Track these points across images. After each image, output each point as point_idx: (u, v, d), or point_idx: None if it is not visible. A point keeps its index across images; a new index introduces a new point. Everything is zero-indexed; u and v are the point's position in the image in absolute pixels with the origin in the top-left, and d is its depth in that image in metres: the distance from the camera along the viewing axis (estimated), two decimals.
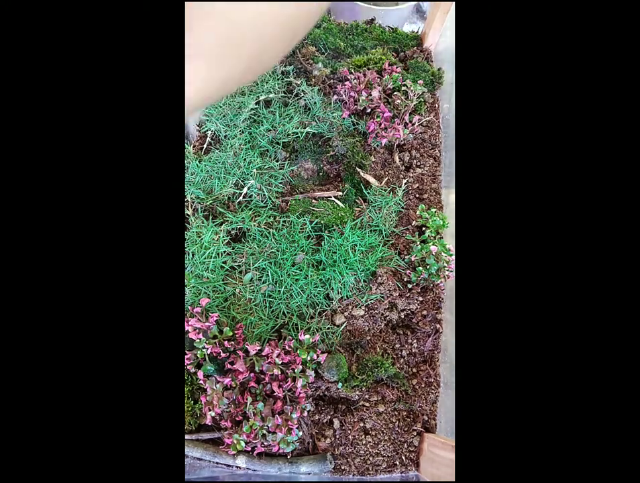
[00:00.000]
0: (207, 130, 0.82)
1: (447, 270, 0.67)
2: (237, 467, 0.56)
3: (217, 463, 0.56)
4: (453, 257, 0.66)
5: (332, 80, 0.87)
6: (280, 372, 0.55)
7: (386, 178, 0.79)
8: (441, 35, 0.92)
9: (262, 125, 0.80)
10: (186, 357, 0.55)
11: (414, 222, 0.75)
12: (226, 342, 0.56)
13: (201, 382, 0.55)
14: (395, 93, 0.81)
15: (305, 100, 0.83)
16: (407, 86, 0.80)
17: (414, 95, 0.80)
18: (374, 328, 0.66)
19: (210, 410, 0.53)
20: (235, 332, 0.57)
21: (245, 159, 0.76)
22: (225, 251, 0.68)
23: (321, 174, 0.82)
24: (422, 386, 0.65)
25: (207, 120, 0.82)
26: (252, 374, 0.56)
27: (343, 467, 0.58)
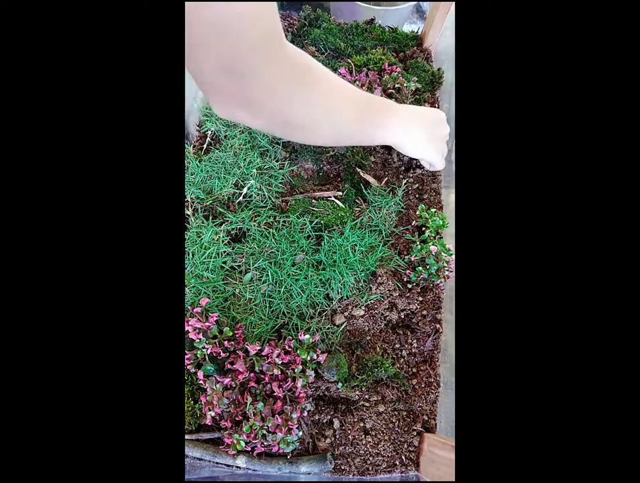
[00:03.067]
0: (207, 130, 0.82)
1: (447, 270, 0.67)
2: (237, 467, 0.56)
3: (217, 463, 0.56)
4: (453, 257, 0.66)
5: None
6: (280, 372, 0.55)
7: (386, 178, 0.79)
8: (441, 35, 0.92)
9: None
10: (186, 357, 0.55)
11: (414, 222, 0.75)
12: (226, 342, 0.56)
13: (201, 382, 0.55)
14: (390, 91, 0.81)
15: None
16: (401, 84, 0.80)
17: (408, 91, 0.80)
18: (374, 328, 0.66)
19: (210, 410, 0.53)
20: (235, 332, 0.57)
21: (245, 160, 0.76)
22: (225, 251, 0.68)
23: (320, 174, 0.82)
24: (422, 386, 0.65)
25: (207, 120, 0.82)
26: (252, 374, 0.56)
27: (343, 467, 0.58)
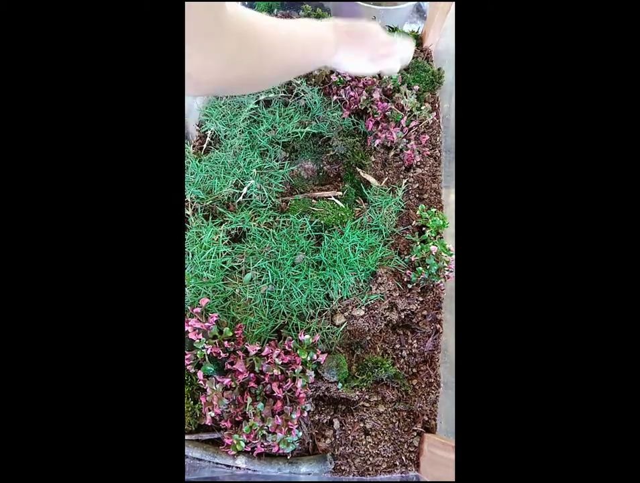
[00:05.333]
0: (207, 130, 0.82)
1: (447, 270, 0.67)
2: (237, 467, 0.56)
3: (216, 463, 0.56)
4: (453, 257, 0.66)
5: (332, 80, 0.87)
6: (279, 372, 0.55)
7: (386, 178, 0.79)
8: (441, 35, 0.91)
9: (262, 125, 0.80)
10: (186, 357, 0.55)
11: (414, 222, 0.75)
12: (226, 342, 0.56)
13: (201, 382, 0.55)
14: (390, 109, 0.81)
15: (305, 100, 0.83)
16: (401, 93, 0.80)
17: (408, 109, 0.80)
18: (374, 328, 0.66)
19: (210, 410, 0.53)
20: (235, 332, 0.57)
21: (245, 159, 0.76)
22: (224, 251, 0.68)
23: (320, 174, 0.82)
24: (423, 386, 0.65)
25: (207, 120, 0.82)
26: (252, 374, 0.56)
27: (343, 468, 0.58)
